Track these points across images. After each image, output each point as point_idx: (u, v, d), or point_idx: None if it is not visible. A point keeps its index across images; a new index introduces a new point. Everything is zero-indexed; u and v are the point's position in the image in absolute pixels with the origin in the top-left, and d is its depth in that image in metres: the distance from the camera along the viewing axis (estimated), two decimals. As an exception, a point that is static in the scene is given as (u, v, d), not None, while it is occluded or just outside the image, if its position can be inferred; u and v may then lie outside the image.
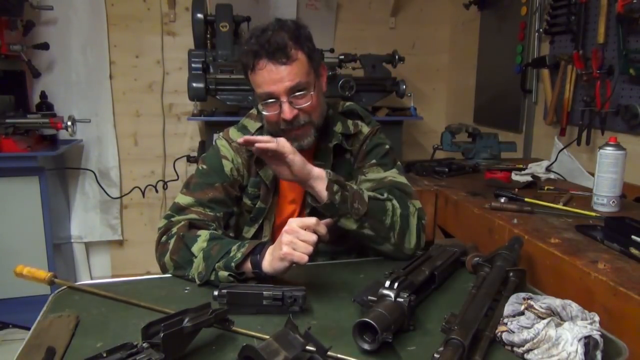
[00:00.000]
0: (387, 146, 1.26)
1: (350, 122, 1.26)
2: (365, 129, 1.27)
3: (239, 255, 0.97)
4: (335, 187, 1.03)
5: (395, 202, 1.12)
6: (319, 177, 1.04)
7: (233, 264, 0.96)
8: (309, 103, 1.12)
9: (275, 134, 1.14)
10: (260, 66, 1.09)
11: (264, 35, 1.09)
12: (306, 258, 0.90)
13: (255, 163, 1.22)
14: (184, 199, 1.16)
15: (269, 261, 0.95)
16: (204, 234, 1.06)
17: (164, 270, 1.09)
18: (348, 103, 1.30)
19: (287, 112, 1.10)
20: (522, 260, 1.13)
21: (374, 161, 1.23)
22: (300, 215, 1.25)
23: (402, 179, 1.21)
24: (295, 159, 1.02)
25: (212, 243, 1.02)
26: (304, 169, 1.03)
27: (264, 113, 1.15)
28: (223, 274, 0.97)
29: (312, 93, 1.13)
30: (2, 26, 2.35)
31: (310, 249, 0.91)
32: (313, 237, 0.92)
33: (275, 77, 1.09)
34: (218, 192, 1.17)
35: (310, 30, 1.16)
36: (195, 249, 1.03)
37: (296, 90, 1.10)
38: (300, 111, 1.13)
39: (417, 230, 1.13)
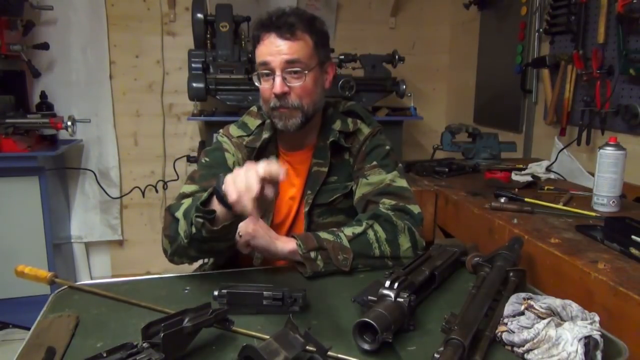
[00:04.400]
0: (388, 147, 1.26)
1: (349, 120, 1.27)
2: (365, 129, 1.26)
3: (205, 195, 0.94)
4: (313, 254, 1.02)
5: (377, 226, 1.09)
6: (292, 253, 1.04)
7: (199, 203, 0.92)
8: (300, 84, 1.13)
9: (268, 114, 1.19)
10: (264, 37, 1.13)
11: (276, 12, 1.14)
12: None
13: (256, 159, 1.22)
14: (189, 188, 1.16)
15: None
16: (187, 200, 1.05)
17: (165, 253, 1.08)
18: (350, 103, 1.31)
19: (278, 85, 1.12)
20: (522, 260, 1.13)
21: (375, 163, 1.22)
22: (297, 213, 1.26)
23: (401, 183, 1.20)
24: (257, 243, 1.03)
25: (193, 203, 1.00)
26: (268, 251, 1.05)
27: (257, 85, 1.17)
28: (197, 220, 0.92)
29: (307, 76, 1.14)
30: (2, 26, 2.35)
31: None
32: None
33: (274, 49, 1.12)
34: None
35: (327, 29, 1.20)
36: (178, 214, 1.01)
37: (292, 67, 1.12)
38: (292, 91, 1.14)
39: (412, 242, 1.11)
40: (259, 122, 1.27)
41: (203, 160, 1.23)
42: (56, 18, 2.75)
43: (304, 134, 1.23)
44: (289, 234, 1.23)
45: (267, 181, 0.83)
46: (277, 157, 1.25)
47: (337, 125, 1.24)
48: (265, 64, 1.13)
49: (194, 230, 0.94)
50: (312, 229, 1.20)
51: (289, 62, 1.12)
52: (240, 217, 0.93)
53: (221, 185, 0.88)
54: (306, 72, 1.14)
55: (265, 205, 0.86)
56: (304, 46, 1.14)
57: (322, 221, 1.24)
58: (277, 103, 1.14)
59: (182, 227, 0.99)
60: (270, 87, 1.14)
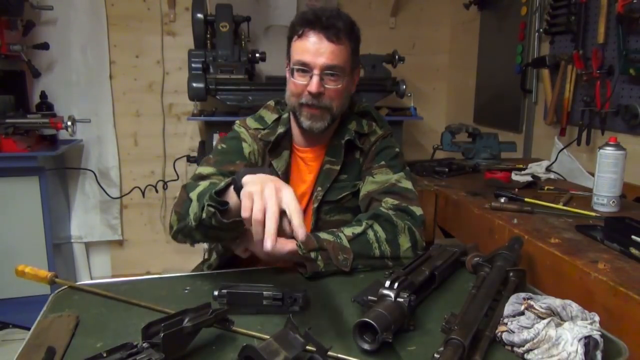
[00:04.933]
0: (398, 149, 1.28)
1: (364, 121, 1.29)
2: (379, 131, 1.29)
3: (222, 184, 0.92)
4: (313, 255, 1.02)
5: (376, 226, 1.09)
6: (291, 253, 1.03)
7: (214, 192, 0.90)
8: (335, 87, 1.15)
9: (293, 107, 1.19)
10: (309, 35, 1.13)
11: (323, 12, 1.14)
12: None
13: (269, 152, 1.23)
14: (205, 170, 1.16)
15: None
16: (205, 182, 1.04)
17: (170, 229, 1.08)
18: (364, 104, 1.33)
19: (315, 84, 1.13)
20: (522, 260, 1.13)
21: (383, 163, 1.24)
22: (306, 209, 1.26)
23: (407, 184, 1.21)
24: (254, 247, 1.03)
25: (210, 187, 0.99)
26: (267, 253, 1.02)
27: (292, 80, 1.17)
28: (209, 209, 0.90)
29: (342, 80, 1.16)
30: (2, 26, 2.35)
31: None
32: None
33: (318, 49, 1.12)
34: (237, 168, 1.16)
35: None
36: (193, 194, 1.00)
37: (330, 71, 1.14)
38: (326, 92, 1.15)
39: (412, 242, 1.10)
40: (275, 116, 1.28)
41: (219, 147, 1.24)
42: (56, 18, 2.75)
43: (321, 133, 1.23)
44: None
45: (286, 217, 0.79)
46: (291, 152, 1.27)
47: (353, 125, 1.27)
48: (305, 63, 1.14)
49: (204, 215, 0.92)
50: (319, 226, 1.22)
51: (330, 67, 1.13)
52: None
53: (241, 177, 0.86)
54: (342, 76, 1.16)
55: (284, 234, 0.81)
56: (344, 51, 1.15)
57: (329, 219, 1.25)
58: (309, 101, 1.15)
59: (194, 208, 0.98)
60: (305, 83, 1.15)
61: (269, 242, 0.75)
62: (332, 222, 1.23)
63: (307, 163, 1.27)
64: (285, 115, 1.27)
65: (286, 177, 1.24)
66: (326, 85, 1.15)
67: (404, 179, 1.22)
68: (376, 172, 1.23)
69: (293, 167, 1.27)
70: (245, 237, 1.05)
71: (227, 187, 0.91)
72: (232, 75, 2.55)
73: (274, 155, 1.24)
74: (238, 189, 0.86)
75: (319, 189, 1.24)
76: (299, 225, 0.76)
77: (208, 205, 0.90)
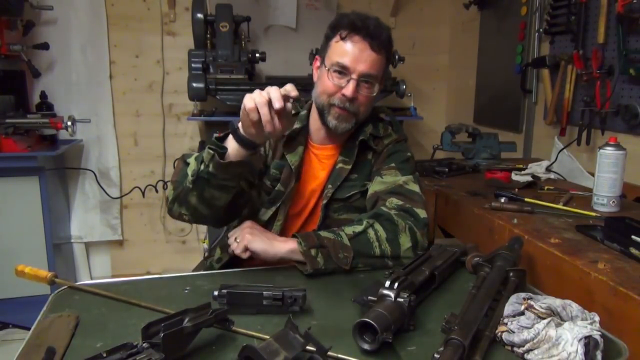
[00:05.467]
0: (409, 154, 1.29)
1: (381, 125, 1.31)
2: (393, 135, 1.31)
3: (222, 134, 1.04)
4: (314, 252, 1.03)
5: (377, 225, 1.10)
6: (292, 251, 1.04)
7: (214, 137, 1.01)
8: (367, 94, 1.18)
9: (322, 105, 1.21)
10: (354, 40, 1.16)
11: (369, 20, 1.17)
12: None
13: (284, 146, 1.24)
14: None
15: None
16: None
17: (166, 202, 1.14)
18: (382, 108, 1.36)
19: (351, 89, 1.15)
20: (522, 260, 1.13)
21: (393, 165, 1.25)
22: (316, 206, 1.27)
23: (414, 187, 1.21)
24: (255, 245, 1.05)
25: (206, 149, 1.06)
26: (267, 252, 1.06)
27: (327, 80, 1.18)
28: (208, 152, 1.00)
29: (375, 90, 1.19)
30: (2, 26, 2.35)
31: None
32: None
33: (360, 55, 1.15)
34: None
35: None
36: (190, 159, 1.07)
37: (366, 78, 1.16)
38: (359, 98, 1.18)
39: (413, 241, 1.10)
40: (292, 112, 1.29)
41: None
42: (56, 18, 2.75)
43: (340, 133, 1.24)
44: (304, 226, 1.27)
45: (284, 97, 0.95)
46: (305, 148, 1.28)
47: (369, 128, 1.28)
48: (345, 66, 1.15)
49: (202, 167, 1.00)
50: (326, 224, 1.23)
51: (367, 75, 1.16)
52: (252, 153, 1.03)
53: (238, 123, 1.01)
54: (375, 84, 1.18)
55: (286, 116, 0.97)
56: (381, 61, 1.18)
57: (337, 217, 1.25)
58: (341, 103, 1.17)
59: (192, 167, 1.05)
60: (341, 85, 1.16)
61: (277, 103, 0.93)
62: (340, 220, 1.24)
63: (321, 160, 1.29)
64: (303, 112, 1.29)
65: (299, 172, 1.25)
66: (360, 92, 1.17)
67: (412, 182, 1.22)
68: (385, 173, 1.23)
69: (306, 163, 1.28)
70: (243, 235, 1.07)
71: (226, 136, 1.02)
72: (232, 75, 2.55)
73: (288, 149, 1.25)
74: (235, 130, 1.01)
75: (330, 186, 1.25)
76: (291, 88, 0.96)
77: (209, 148, 0.99)
